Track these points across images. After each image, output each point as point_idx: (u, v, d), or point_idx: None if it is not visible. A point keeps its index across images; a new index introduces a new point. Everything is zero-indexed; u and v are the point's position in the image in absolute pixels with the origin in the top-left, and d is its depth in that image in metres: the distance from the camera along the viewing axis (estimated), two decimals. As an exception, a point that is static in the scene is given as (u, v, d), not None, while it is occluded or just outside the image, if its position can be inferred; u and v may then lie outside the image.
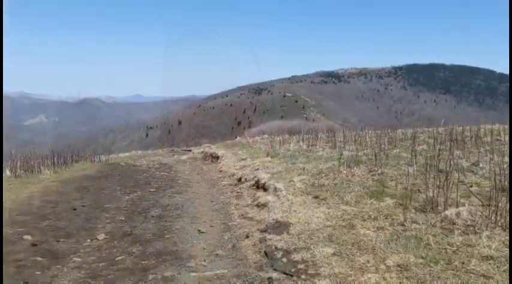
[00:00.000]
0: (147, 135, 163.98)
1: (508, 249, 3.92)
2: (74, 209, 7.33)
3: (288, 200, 6.49)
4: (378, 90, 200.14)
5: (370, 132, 16.50)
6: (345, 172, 8.02)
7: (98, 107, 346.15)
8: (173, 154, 23.48)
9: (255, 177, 9.13)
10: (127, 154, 27.47)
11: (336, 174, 7.89)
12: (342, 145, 13.07)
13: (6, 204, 7.44)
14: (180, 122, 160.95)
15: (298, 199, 6.43)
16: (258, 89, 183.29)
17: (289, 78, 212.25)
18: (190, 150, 25.06)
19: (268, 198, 6.84)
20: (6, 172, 11.42)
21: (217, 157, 14.75)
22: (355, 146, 12.54)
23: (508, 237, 4.18)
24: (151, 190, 9.28)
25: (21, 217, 6.57)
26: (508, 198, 4.83)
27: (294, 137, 17.63)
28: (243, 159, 12.48)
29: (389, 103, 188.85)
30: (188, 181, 10.68)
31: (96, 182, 10.31)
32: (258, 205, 6.88)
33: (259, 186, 8.23)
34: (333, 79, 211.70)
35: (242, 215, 6.66)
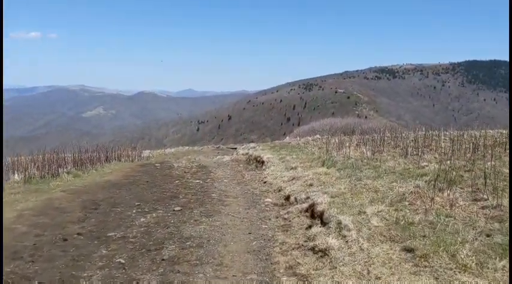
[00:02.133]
0: (198, 129, 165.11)
1: None
2: (65, 240, 5.45)
3: (362, 249, 4.23)
4: (435, 87, 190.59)
5: (444, 133, 13.79)
6: (439, 199, 5.63)
7: (153, 101, 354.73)
8: (217, 153, 21.68)
9: (308, 197, 6.90)
10: (172, 150, 26.04)
11: (427, 203, 5.52)
12: (415, 152, 10.53)
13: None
14: (230, 117, 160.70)
15: (379, 251, 4.15)
16: (308, 85, 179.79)
17: (341, 74, 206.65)
18: (236, 148, 23.17)
19: (331, 241, 4.61)
20: (14, 176, 9.86)
21: (262, 162, 12.63)
22: (434, 155, 9.99)
23: None
24: (176, 208, 7.27)
25: (-15, 253, 4.74)
26: None
27: (352, 139, 15.18)
28: (292, 168, 10.26)
29: (446, 101, 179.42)
30: (224, 195, 8.61)
31: (113, 193, 8.48)
32: (314, 251, 4.67)
33: (315, 214, 6.00)
34: (387, 75, 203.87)
35: (290, 267, 4.46)
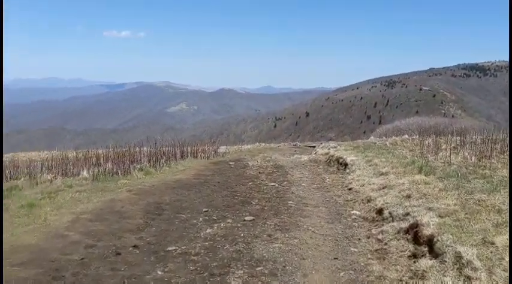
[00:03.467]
0: (275, 126, 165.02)
1: None
2: (118, 253, 4.69)
3: (502, 306, 2.96)
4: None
5: None
6: None
7: (233, 97, 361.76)
8: (294, 151, 20.57)
9: (408, 213, 5.60)
10: (249, 146, 25.35)
11: None
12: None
13: (33, 235, 5.11)
14: (307, 114, 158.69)
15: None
16: (391, 82, 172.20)
17: (426, 71, 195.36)
18: (314, 147, 21.91)
19: (451, 285, 3.36)
20: (83, 172, 9.50)
21: (345, 165, 11.34)
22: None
23: None
24: (248, 218, 6.31)
25: (28, 268, 4.08)
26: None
27: (448, 141, 13.34)
28: (382, 174, 8.89)
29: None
30: (303, 203, 7.51)
31: (181, 195, 7.72)
32: (426, 296, 3.45)
33: (420, 238, 4.71)
34: (477, 72, 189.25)
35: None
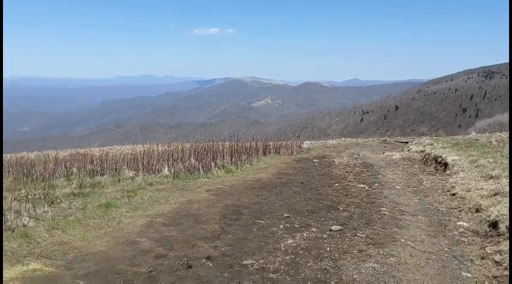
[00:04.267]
0: (361, 120, 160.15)
1: None
2: (189, 266, 4.22)
3: None
4: None
5: None
6: None
7: (317, 91, 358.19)
8: (384, 147, 19.28)
9: (535, 231, 4.53)
10: (334, 142, 24.36)
11: None
12: None
13: (104, 240, 4.84)
14: (397, 107, 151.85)
15: None
16: (489, 73, 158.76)
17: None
18: (406, 142, 20.34)
19: None
20: (165, 169, 9.32)
21: (445, 165, 10.09)
22: None
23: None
24: (334, 228, 5.57)
25: (91, 282, 3.75)
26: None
27: None
28: (492, 177, 7.64)
29: None
30: (398, 211, 6.60)
31: (261, 198, 7.18)
32: None
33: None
34: None
35: None
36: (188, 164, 9.88)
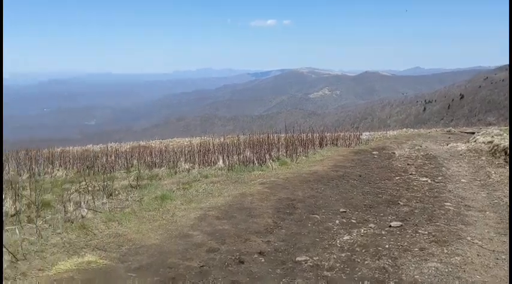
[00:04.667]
0: (424, 109, 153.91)
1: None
2: (241, 262, 4.13)
3: None
4: None
5: None
6: None
7: (377, 80, 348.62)
8: (448, 138, 18.31)
9: None
10: (395, 133, 23.51)
11: None
12: None
13: (157, 233, 4.87)
14: (462, 96, 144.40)
15: None
16: None
17: None
18: (472, 133, 19.18)
19: None
20: (219, 161, 9.33)
21: (518, 157, 9.34)
22: None
23: None
24: (394, 224, 5.27)
25: (143, 275, 3.76)
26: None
27: None
28: None
29: None
30: (464, 206, 6.15)
31: (316, 191, 6.97)
32: None
33: None
34: None
35: None
36: (243, 156, 9.84)
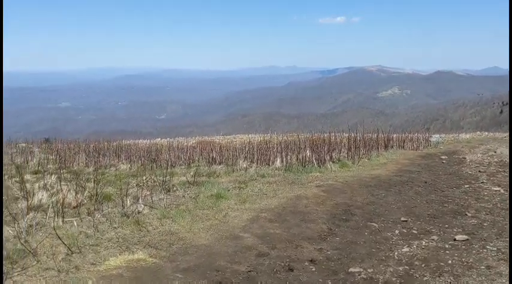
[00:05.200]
0: (501, 112, 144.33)
1: None
2: (290, 269, 3.98)
3: None
4: None
5: None
6: None
7: (451, 80, 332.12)
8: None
9: None
10: (467, 136, 22.18)
11: None
12: None
13: (208, 233, 4.84)
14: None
15: None
16: None
17: None
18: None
19: None
20: (277, 161, 9.20)
21: None
22: None
23: None
24: (459, 237, 4.87)
25: (190, 277, 3.72)
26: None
27: None
28: None
29: None
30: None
31: (376, 197, 6.65)
32: None
33: None
34: None
35: None
36: (302, 156, 9.65)
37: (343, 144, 11.85)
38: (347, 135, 13.36)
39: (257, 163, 9.57)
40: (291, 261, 4.15)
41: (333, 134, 12.54)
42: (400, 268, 4.06)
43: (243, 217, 5.36)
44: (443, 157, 11.38)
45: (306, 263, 4.13)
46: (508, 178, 8.53)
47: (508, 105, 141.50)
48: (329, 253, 4.42)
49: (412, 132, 17.24)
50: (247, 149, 11.64)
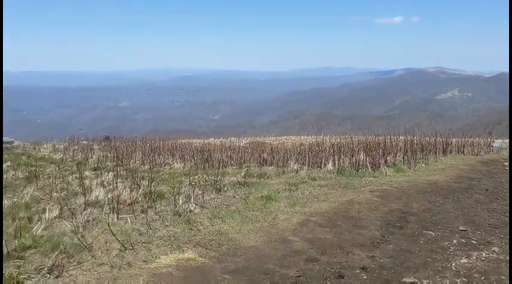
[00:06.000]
0: None
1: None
2: (341, 276, 3.87)
3: None
4: None
5: None
6: None
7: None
8: None
9: None
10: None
11: None
12: None
13: (257, 235, 4.82)
14: None
15: None
16: None
17: None
18: None
19: None
20: (329, 164, 9.03)
21: None
22: None
23: None
24: (524, 250, 4.56)
25: (237, 279, 3.72)
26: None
27: None
28: None
29: None
30: None
31: (433, 204, 6.36)
32: None
33: None
34: None
35: None
36: (355, 159, 9.43)
37: (398, 147, 11.46)
38: (403, 138, 12.94)
39: (308, 166, 9.46)
40: (342, 268, 4.04)
41: (388, 137, 12.17)
42: (458, 280, 3.85)
43: (293, 221, 5.30)
44: (506, 163, 10.73)
45: (357, 271, 4.01)
46: None
47: None
48: (382, 261, 4.26)
49: (473, 136, 16.42)
50: (298, 151, 11.55)
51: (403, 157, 10.41)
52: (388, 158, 10.09)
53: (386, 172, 8.68)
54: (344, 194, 6.74)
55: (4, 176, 8.60)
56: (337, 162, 9.31)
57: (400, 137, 13.20)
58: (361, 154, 10.06)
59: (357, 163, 9.18)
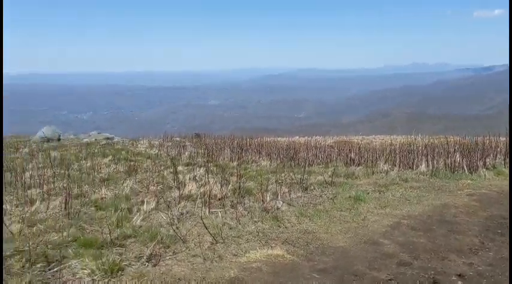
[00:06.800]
0: None
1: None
2: (435, 282, 3.68)
3: None
4: None
5: None
6: None
7: None
8: None
9: None
10: None
11: None
12: None
13: (346, 236, 4.74)
14: None
15: None
16: None
17: None
18: None
19: None
20: (422, 165, 8.60)
21: None
22: None
23: None
24: None
25: (326, 278, 3.70)
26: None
27: None
28: None
29: None
30: None
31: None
32: None
33: None
34: None
35: None
36: (450, 161, 8.90)
37: (499, 149, 10.63)
38: (504, 139, 11.99)
39: (399, 167, 9.11)
40: (436, 274, 3.85)
41: (487, 138, 11.33)
42: None
43: (383, 223, 5.14)
44: None
45: (454, 278, 3.79)
46: None
47: None
48: (480, 268, 3.99)
49: None
50: (388, 151, 11.17)
51: (504, 160, 9.64)
52: (487, 160, 9.41)
53: (485, 175, 8.10)
54: (439, 197, 6.41)
55: (106, 170, 9.33)
56: (430, 163, 8.86)
57: (501, 138, 12.24)
58: (457, 155, 9.49)
59: (453, 165, 8.66)
